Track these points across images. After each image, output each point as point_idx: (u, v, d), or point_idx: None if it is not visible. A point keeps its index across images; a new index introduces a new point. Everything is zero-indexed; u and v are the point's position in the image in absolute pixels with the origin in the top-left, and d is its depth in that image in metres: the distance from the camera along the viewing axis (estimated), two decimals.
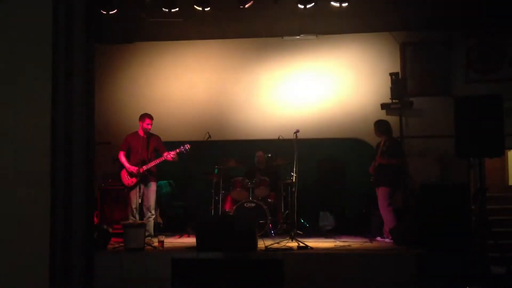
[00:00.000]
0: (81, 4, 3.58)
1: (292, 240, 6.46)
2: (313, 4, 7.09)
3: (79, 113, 3.40)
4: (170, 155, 6.89)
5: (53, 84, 3.14)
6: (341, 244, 6.63)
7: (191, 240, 6.79)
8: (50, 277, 2.99)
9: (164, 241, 6.37)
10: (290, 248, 6.07)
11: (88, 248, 3.44)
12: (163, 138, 7.28)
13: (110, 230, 6.49)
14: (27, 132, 3.04)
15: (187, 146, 6.98)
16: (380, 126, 7.17)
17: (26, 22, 3.14)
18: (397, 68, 8.46)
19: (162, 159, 6.92)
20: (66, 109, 3.29)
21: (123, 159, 7.02)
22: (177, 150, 6.95)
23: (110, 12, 7.33)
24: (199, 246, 5.94)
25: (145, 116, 7.00)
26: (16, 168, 3.03)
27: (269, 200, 7.75)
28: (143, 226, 6.28)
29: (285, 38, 8.85)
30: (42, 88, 3.09)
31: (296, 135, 6.93)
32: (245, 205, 7.46)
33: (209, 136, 7.89)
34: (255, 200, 7.49)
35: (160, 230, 7.68)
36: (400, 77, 8.34)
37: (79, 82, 3.43)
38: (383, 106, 8.31)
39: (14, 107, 3.08)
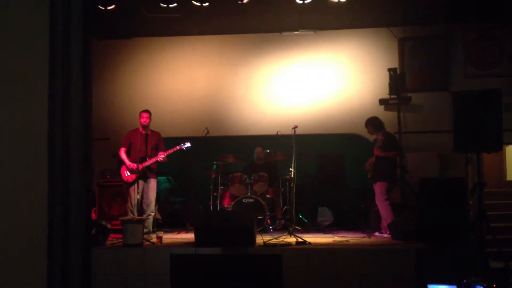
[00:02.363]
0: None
1: (290, 236, 6.46)
2: None
3: (76, 108, 3.40)
4: (160, 157, 6.87)
5: (50, 80, 3.13)
6: (339, 239, 6.64)
7: (189, 236, 6.80)
8: (48, 273, 2.99)
9: (163, 236, 6.37)
10: (289, 244, 6.07)
11: (86, 244, 3.45)
12: (162, 134, 7.27)
13: (109, 226, 6.48)
14: (24, 128, 3.04)
15: (188, 144, 6.97)
16: (375, 123, 7.12)
17: (23, 18, 3.13)
18: (395, 64, 8.47)
19: (155, 159, 6.90)
20: (63, 105, 3.29)
21: (123, 155, 7.03)
22: (176, 148, 6.94)
23: (108, 7, 7.33)
24: (198, 241, 5.94)
25: (141, 112, 7.03)
26: (13, 165, 3.03)
27: (268, 195, 7.75)
28: (141, 222, 6.28)
29: (284, 33, 8.85)
30: (39, 84, 3.08)
31: (294, 130, 6.93)
32: (243, 200, 7.46)
33: (208, 132, 7.90)
34: (253, 196, 7.49)
35: (159, 225, 7.69)
36: (398, 72, 8.35)
37: (76, 78, 3.43)
38: (382, 101, 8.32)
39: (11, 103, 3.07)
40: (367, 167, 7.02)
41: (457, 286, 4.94)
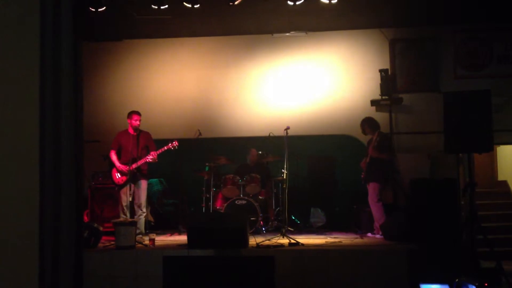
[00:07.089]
0: (69, 1, 3.56)
1: (283, 237, 6.47)
2: (302, 0, 7.09)
3: (67, 111, 3.39)
4: (149, 157, 6.83)
5: (40, 82, 3.12)
6: (332, 240, 6.65)
7: (182, 238, 6.78)
8: (39, 277, 2.98)
9: (155, 239, 6.36)
10: (281, 245, 6.09)
11: (78, 247, 3.43)
12: (153, 136, 7.24)
13: (101, 228, 6.45)
14: (15, 131, 3.03)
15: (175, 143, 6.94)
16: (371, 123, 7.16)
17: (12, 19, 3.12)
18: (386, 65, 8.50)
19: (145, 159, 6.86)
20: (54, 107, 3.27)
21: (113, 157, 6.98)
22: (164, 148, 6.91)
23: (99, 10, 7.28)
24: (190, 243, 5.93)
25: (132, 113, 6.97)
26: (3, 167, 3.01)
27: (260, 197, 7.75)
28: (134, 224, 6.26)
29: (275, 35, 8.86)
30: (30, 86, 3.07)
31: (286, 132, 6.94)
32: (236, 202, 7.45)
33: (200, 134, 7.89)
34: (246, 197, 7.48)
35: (151, 228, 7.67)
36: (389, 73, 8.39)
37: (67, 80, 3.42)
38: (373, 102, 8.35)
39: (1, 105, 3.05)
40: (362, 166, 7.05)
41: (449, 286, 4.97)
